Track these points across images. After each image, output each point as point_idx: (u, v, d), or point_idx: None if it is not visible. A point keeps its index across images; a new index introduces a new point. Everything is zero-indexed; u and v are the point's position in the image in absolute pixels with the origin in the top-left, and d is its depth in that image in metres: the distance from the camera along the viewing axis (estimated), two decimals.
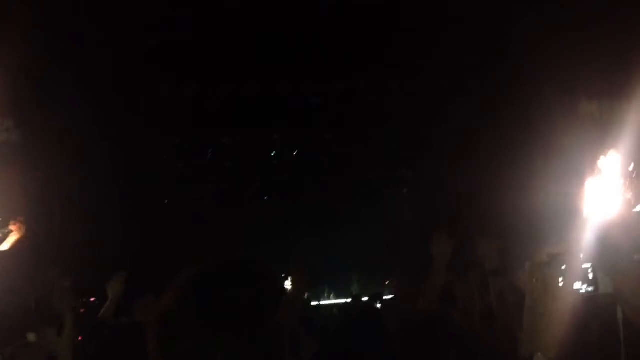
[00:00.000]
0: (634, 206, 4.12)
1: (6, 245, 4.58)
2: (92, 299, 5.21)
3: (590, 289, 2.80)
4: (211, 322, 1.15)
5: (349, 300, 6.58)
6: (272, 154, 8.84)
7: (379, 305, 5.24)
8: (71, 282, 4.70)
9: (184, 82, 6.94)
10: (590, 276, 2.79)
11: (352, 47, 6.65)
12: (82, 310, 5.14)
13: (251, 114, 7.57)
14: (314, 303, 8.84)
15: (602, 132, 5.42)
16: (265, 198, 9.39)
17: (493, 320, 2.96)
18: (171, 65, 6.62)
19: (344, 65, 6.93)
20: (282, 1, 6.22)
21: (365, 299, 6.58)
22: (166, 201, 8.41)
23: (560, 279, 2.23)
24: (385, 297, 6.12)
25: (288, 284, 3.47)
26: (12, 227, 4.58)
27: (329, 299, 9.90)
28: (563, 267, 2.51)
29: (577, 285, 2.85)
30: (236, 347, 1.15)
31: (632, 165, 3.95)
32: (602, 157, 5.03)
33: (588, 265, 2.79)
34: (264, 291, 1.23)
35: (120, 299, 4.16)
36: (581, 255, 2.65)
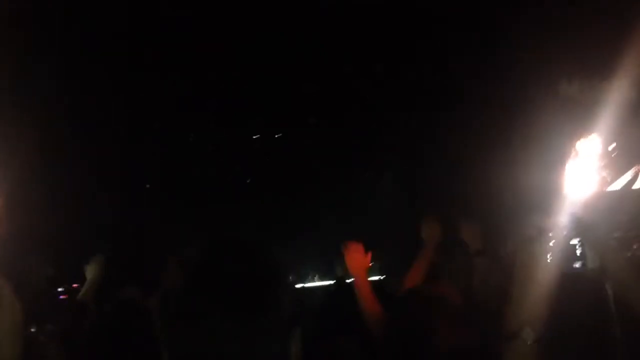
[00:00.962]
0: (609, 184, 4.18)
1: None
2: (75, 285, 5.19)
3: (578, 264, 2.87)
4: (218, 299, 1.18)
5: (333, 282, 6.63)
6: (255, 137, 8.82)
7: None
8: (53, 269, 4.68)
9: (165, 70, 6.87)
10: (579, 252, 2.86)
11: (333, 29, 6.64)
12: (64, 297, 5.12)
13: (234, 102, 7.55)
14: (298, 285, 8.90)
15: (581, 113, 5.48)
16: (248, 181, 9.36)
17: (478, 298, 3.02)
18: (150, 54, 6.54)
19: (328, 48, 6.92)
20: None
21: (349, 280, 6.63)
22: (147, 186, 8.35)
23: (548, 255, 2.27)
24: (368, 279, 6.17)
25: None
26: None
27: (313, 281, 9.95)
28: (550, 243, 2.55)
29: (571, 263, 2.91)
30: (242, 321, 1.18)
31: (612, 145, 4.01)
32: (580, 139, 5.10)
33: (576, 241, 2.85)
34: (266, 266, 1.26)
35: (98, 282, 4.16)
36: (566, 232, 2.70)
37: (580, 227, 2.74)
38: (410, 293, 2.54)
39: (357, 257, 3.26)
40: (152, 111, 7.24)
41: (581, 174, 3.83)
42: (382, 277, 6.36)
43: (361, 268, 3.20)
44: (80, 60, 6.19)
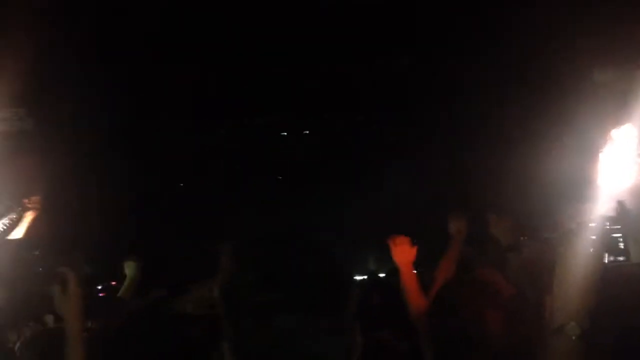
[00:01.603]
0: None
1: (23, 228, 4.67)
2: (113, 283, 5.29)
3: (621, 258, 2.79)
4: (292, 298, 1.15)
5: (365, 277, 6.60)
6: (283, 134, 8.83)
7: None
8: (91, 267, 4.77)
9: (193, 69, 6.92)
10: (622, 246, 2.78)
11: (354, 24, 6.60)
12: (103, 294, 5.22)
13: (258, 96, 7.56)
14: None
15: (616, 101, 5.36)
16: (279, 178, 9.39)
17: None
18: (181, 54, 6.60)
19: (349, 42, 6.88)
20: None
21: (382, 275, 6.61)
22: (181, 184, 8.45)
23: (591, 248, 2.22)
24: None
25: None
26: (28, 205, 4.65)
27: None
28: (592, 236, 2.49)
29: (614, 257, 2.83)
30: (316, 321, 1.15)
31: None
32: (616, 127, 4.98)
33: (619, 235, 2.77)
34: (336, 263, 1.24)
35: (138, 280, 4.23)
36: (609, 225, 2.64)
37: (624, 219, 2.67)
38: (457, 279, 2.46)
39: (403, 250, 3.25)
40: (182, 110, 7.32)
41: (617, 163, 3.74)
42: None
43: (407, 261, 3.20)
44: (118, 66, 6.29)
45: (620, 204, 2.83)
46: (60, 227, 5.55)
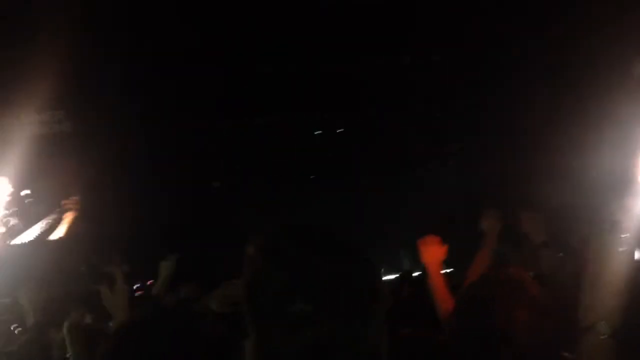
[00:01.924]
0: None
1: (63, 228, 4.79)
2: (150, 282, 5.39)
3: None
4: (324, 304, 1.09)
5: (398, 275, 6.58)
6: (315, 133, 8.85)
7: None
8: (128, 266, 4.86)
9: (218, 67, 6.97)
10: None
11: (390, 18, 6.55)
12: (140, 292, 5.32)
13: (289, 92, 7.58)
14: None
15: None
16: (312, 177, 9.42)
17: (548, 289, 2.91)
18: (211, 54, 6.66)
19: (384, 38, 6.83)
20: None
21: (416, 274, 6.57)
22: (216, 185, 8.55)
23: (622, 247, 2.16)
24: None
25: None
26: (67, 206, 4.77)
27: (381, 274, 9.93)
28: (624, 235, 2.41)
29: None
30: (349, 329, 1.10)
31: None
32: None
33: None
34: (368, 266, 1.18)
35: (171, 277, 4.30)
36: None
37: None
38: (485, 277, 2.41)
39: (433, 250, 3.22)
40: (217, 107, 7.38)
41: None
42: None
43: (436, 261, 3.17)
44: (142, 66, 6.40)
45: None
46: (98, 227, 5.68)
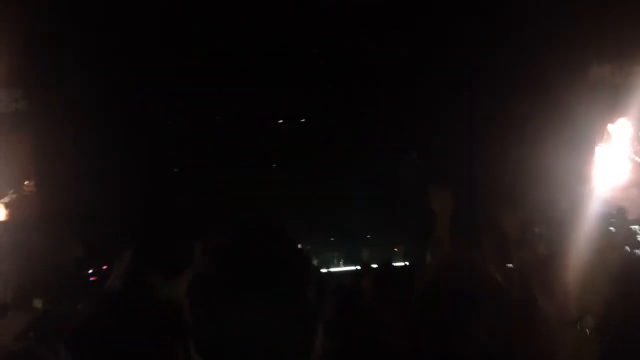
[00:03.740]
0: None
1: (5, 210, 4.66)
2: (105, 267, 5.28)
3: (638, 251, 2.74)
4: (250, 283, 1.17)
5: (358, 267, 6.61)
6: (280, 120, 8.82)
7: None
8: (83, 249, 4.76)
9: (185, 43, 6.87)
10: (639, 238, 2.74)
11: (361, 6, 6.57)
12: (93, 278, 5.21)
13: (255, 74, 7.53)
14: (323, 270, 8.90)
15: (612, 96, 5.37)
16: (274, 166, 9.37)
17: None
18: (174, 28, 6.56)
19: (354, 25, 6.84)
20: None
21: (374, 266, 6.62)
22: (175, 170, 8.42)
23: (608, 240, 2.19)
24: (395, 264, 6.16)
25: None
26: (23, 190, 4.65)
27: (338, 265, 9.96)
28: (612, 228, 2.45)
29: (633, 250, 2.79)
30: (274, 307, 1.17)
31: None
32: (612, 122, 5.00)
33: (636, 226, 2.73)
34: (298, 253, 1.27)
35: (128, 270, 4.21)
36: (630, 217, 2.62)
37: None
38: (445, 266, 2.29)
39: None
40: (179, 87, 7.28)
41: (612, 157, 3.75)
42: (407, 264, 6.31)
43: None
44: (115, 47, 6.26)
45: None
46: (53, 208, 5.53)
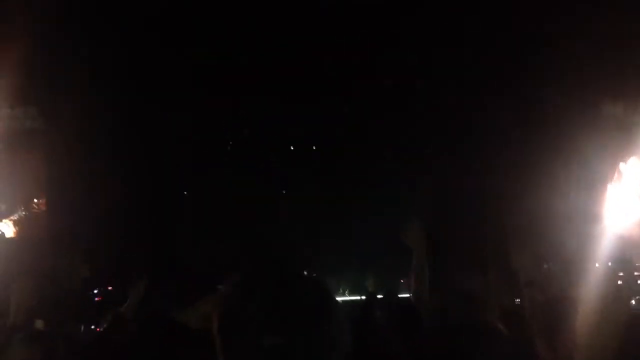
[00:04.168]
0: None
1: (12, 229, 4.66)
2: (110, 288, 5.26)
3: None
4: (274, 321, 1.19)
5: (363, 297, 6.56)
6: (288, 148, 8.86)
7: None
8: (89, 269, 4.75)
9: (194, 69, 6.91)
10: None
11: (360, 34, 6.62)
12: (99, 299, 5.19)
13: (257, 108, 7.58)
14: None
15: (624, 135, 5.36)
16: (283, 192, 9.40)
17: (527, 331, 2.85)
18: (186, 54, 6.60)
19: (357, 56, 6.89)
20: None
21: (380, 296, 6.58)
22: (185, 193, 8.44)
23: (617, 293, 2.16)
24: (400, 295, 6.11)
25: None
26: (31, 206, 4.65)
27: (344, 295, 9.91)
28: (619, 282, 2.40)
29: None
30: (297, 346, 1.19)
31: None
32: (623, 161, 4.97)
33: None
34: (324, 294, 1.28)
35: (141, 299, 4.16)
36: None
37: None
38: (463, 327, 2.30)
39: None
40: (189, 110, 7.31)
41: (624, 196, 3.72)
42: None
43: None
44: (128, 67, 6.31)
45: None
46: (61, 227, 5.54)
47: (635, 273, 2.72)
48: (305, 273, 1.33)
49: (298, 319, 1.20)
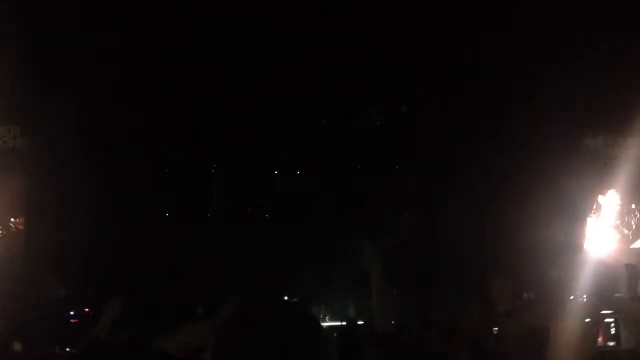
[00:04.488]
0: (632, 242, 4.11)
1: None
2: (86, 310, 5.17)
3: (611, 343, 2.68)
4: (270, 352, 1.20)
5: (344, 323, 6.52)
6: (274, 179, 8.87)
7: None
8: (66, 291, 4.68)
9: (187, 89, 6.90)
10: (613, 331, 2.70)
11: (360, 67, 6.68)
12: (75, 320, 5.10)
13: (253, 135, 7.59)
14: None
15: (603, 168, 5.46)
16: (267, 216, 9.37)
17: None
18: (175, 71, 6.58)
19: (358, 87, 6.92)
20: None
21: (360, 322, 6.55)
22: (167, 214, 8.36)
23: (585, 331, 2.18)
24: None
25: None
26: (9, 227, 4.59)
27: (324, 321, 9.84)
28: (588, 320, 2.39)
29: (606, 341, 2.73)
30: None
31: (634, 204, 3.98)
32: (602, 194, 5.05)
33: (611, 320, 2.69)
34: (315, 325, 1.30)
35: (115, 319, 4.10)
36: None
37: (603, 285, 2.66)
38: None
39: None
40: (175, 139, 7.28)
41: (603, 231, 3.78)
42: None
43: None
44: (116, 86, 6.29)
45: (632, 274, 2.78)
46: (38, 247, 5.46)
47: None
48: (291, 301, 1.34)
49: (292, 350, 1.21)
